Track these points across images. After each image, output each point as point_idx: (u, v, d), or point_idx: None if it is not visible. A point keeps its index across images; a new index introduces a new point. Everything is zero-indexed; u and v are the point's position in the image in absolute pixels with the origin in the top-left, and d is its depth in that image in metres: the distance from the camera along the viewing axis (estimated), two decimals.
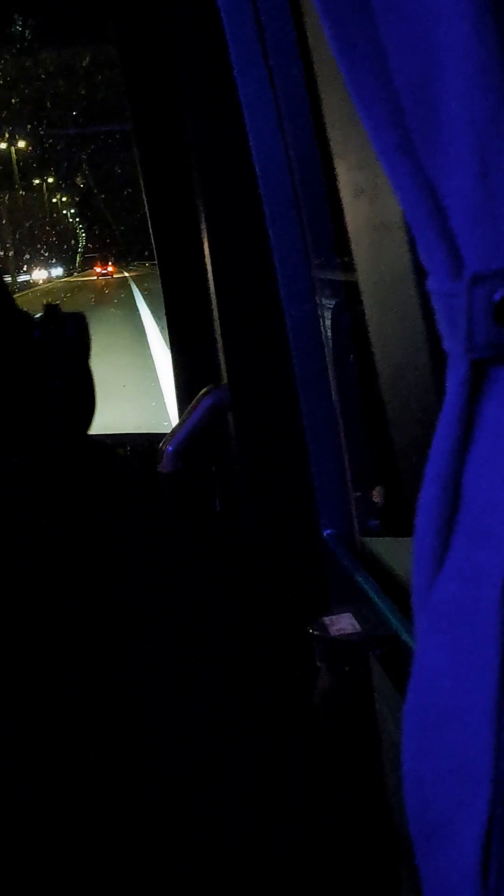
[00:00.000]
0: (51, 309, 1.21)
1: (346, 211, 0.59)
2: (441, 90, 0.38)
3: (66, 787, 1.37)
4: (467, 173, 0.38)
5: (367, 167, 0.55)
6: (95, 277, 37.68)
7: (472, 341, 0.39)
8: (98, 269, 39.88)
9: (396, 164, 0.41)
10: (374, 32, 0.40)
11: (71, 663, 1.44)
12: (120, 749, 1.49)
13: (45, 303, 1.22)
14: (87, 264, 45.73)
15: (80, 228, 53.79)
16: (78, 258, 51.15)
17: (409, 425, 0.59)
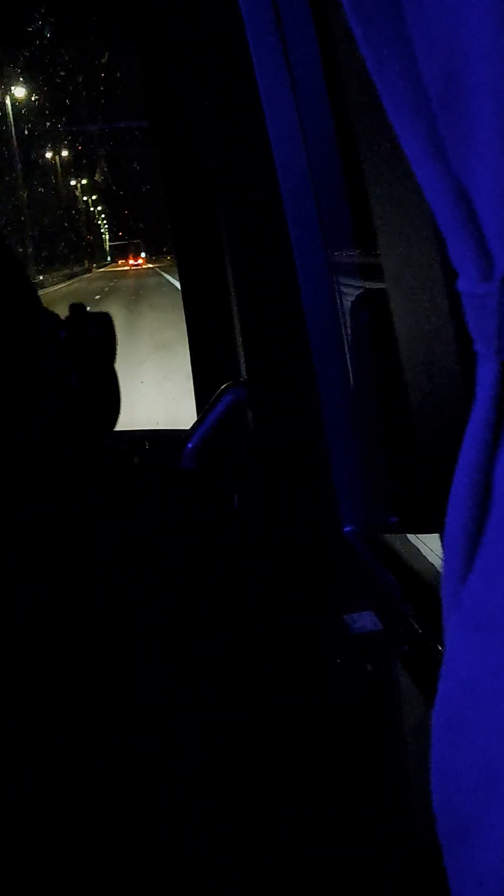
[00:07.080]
0: (76, 309, 1.22)
1: (373, 212, 0.59)
2: (471, 90, 0.38)
3: (69, 784, 1.38)
4: (498, 174, 0.38)
5: (396, 168, 0.54)
6: (128, 267, 45.58)
7: (502, 342, 0.39)
8: (131, 262, 48.65)
9: (426, 164, 0.40)
10: (403, 31, 0.40)
11: (91, 660, 1.45)
12: (138, 737, 1.49)
13: (71, 303, 1.22)
14: (120, 255, 52.72)
15: (104, 222, 55.92)
16: (107, 250, 55.42)
17: (435, 425, 0.59)
